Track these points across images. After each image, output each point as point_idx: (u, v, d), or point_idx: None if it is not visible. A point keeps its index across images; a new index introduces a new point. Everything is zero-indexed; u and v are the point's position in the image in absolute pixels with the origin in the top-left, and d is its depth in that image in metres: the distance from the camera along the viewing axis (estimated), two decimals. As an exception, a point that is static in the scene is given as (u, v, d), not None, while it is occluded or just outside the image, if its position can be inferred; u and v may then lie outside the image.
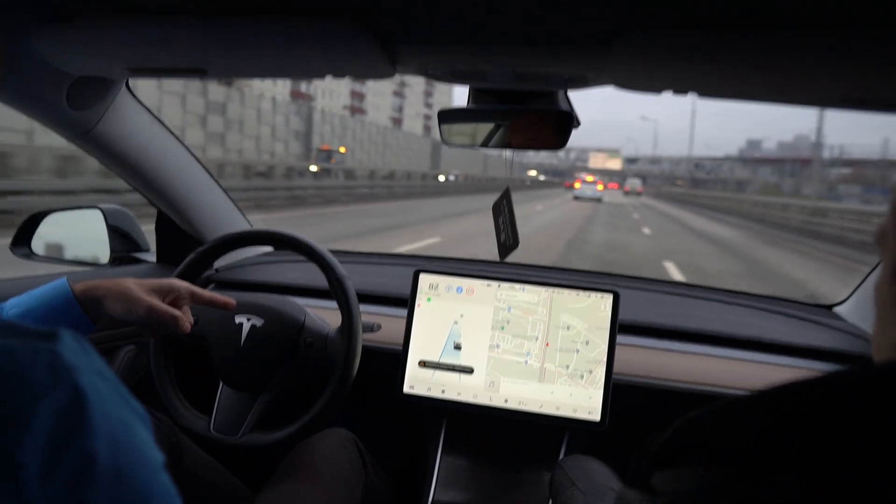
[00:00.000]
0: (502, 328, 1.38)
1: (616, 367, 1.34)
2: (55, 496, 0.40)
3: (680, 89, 0.97)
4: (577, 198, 36.65)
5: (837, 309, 1.67)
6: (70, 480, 0.41)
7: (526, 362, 1.36)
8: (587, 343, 1.35)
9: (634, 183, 70.88)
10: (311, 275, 1.35)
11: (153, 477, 0.46)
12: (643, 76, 0.94)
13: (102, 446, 0.42)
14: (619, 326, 1.35)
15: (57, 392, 0.42)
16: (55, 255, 1.62)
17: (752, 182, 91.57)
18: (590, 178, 53.90)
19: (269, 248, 1.95)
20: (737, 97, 0.99)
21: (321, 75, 1.07)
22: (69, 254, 1.67)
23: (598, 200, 36.21)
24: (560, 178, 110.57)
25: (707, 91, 0.97)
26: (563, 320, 1.36)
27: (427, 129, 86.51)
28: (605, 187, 57.83)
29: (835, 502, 0.36)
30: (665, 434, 0.46)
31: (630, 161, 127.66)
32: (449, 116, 1.14)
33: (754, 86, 0.95)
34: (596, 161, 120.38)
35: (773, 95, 0.99)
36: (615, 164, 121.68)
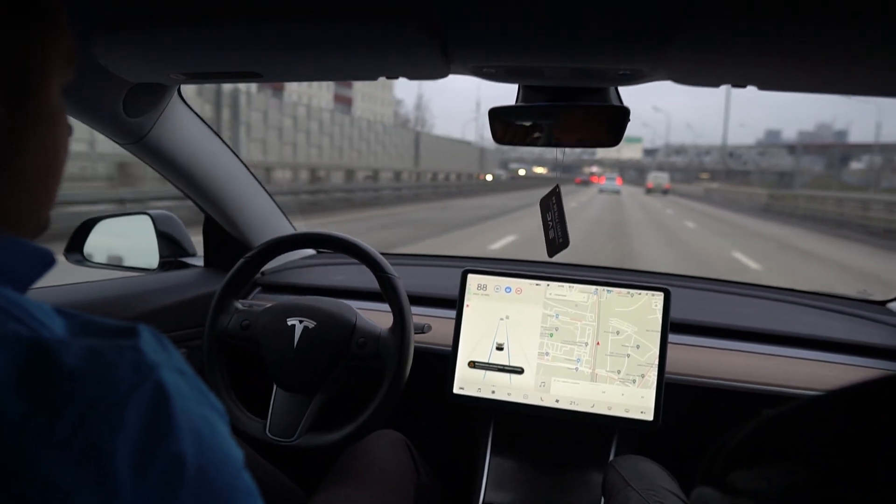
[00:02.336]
0: (551, 335, 1.37)
1: (668, 367, 1.32)
2: (148, 498, 0.40)
3: (738, 82, 0.96)
4: (601, 191, 45.11)
5: (891, 305, 1.63)
6: (161, 480, 0.40)
7: (577, 369, 1.35)
8: (638, 347, 1.33)
9: (660, 178, 53.97)
10: (359, 277, 1.36)
11: (237, 475, 0.46)
12: (702, 69, 0.93)
13: (189, 445, 0.42)
14: (670, 325, 1.33)
15: (141, 391, 0.42)
16: (107, 260, 1.65)
17: (799, 173, 73.20)
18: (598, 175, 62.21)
19: (312, 252, 1.97)
20: (796, 89, 0.98)
21: (375, 77, 1.07)
22: (120, 259, 1.71)
23: (618, 192, 43.53)
24: (568, 173, 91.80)
25: (767, 83, 0.95)
26: (612, 325, 1.35)
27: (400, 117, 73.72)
28: (599, 180, 61.23)
29: None
30: (743, 432, 0.45)
31: (648, 153, 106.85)
32: (500, 114, 1.14)
33: (815, 77, 0.93)
34: (609, 150, 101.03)
35: (834, 86, 0.97)
36: (633, 153, 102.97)
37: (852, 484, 0.38)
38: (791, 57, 0.86)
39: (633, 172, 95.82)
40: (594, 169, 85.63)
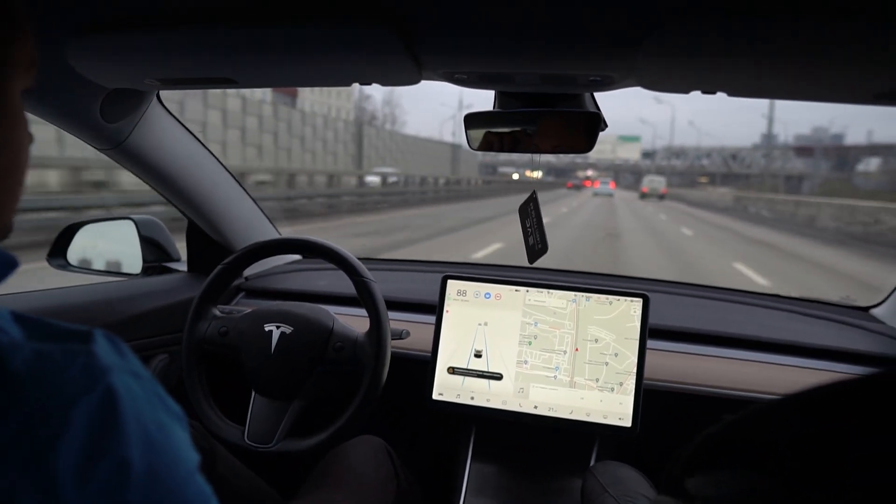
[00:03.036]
0: (530, 343, 1.37)
1: (647, 373, 1.32)
2: (90, 501, 0.40)
3: (708, 89, 0.96)
4: (595, 195, 46.70)
5: (874, 311, 1.63)
6: (105, 486, 0.40)
7: (555, 377, 1.35)
8: (616, 355, 1.33)
9: (656, 182, 50.12)
10: (341, 282, 1.36)
11: (189, 479, 0.46)
12: (671, 76, 0.93)
13: (136, 450, 0.42)
14: (649, 331, 1.33)
15: (91, 394, 0.42)
16: (90, 265, 1.65)
17: (809, 176, 67.99)
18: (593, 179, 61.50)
19: (298, 257, 1.97)
20: (766, 95, 0.98)
21: (348, 83, 1.08)
22: (103, 264, 1.71)
23: (611, 195, 45.21)
24: (561, 177, 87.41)
25: (736, 90, 0.95)
26: (590, 333, 1.35)
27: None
28: (593, 184, 60.63)
29: None
30: (699, 438, 0.45)
31: (646, 155, 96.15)
32: (475, 121, 1.14)
33: (785, 84, 0.93)
34: (603, 151, 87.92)
35: (803, 93, 0.97)
36: (631, 153, 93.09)
37: (806, 488, 0.38)
38: (758, 64, 0.86)
39: (630, 176, 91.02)
40: (589, 173, 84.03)
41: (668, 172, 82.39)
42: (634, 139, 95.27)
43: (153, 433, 0.44)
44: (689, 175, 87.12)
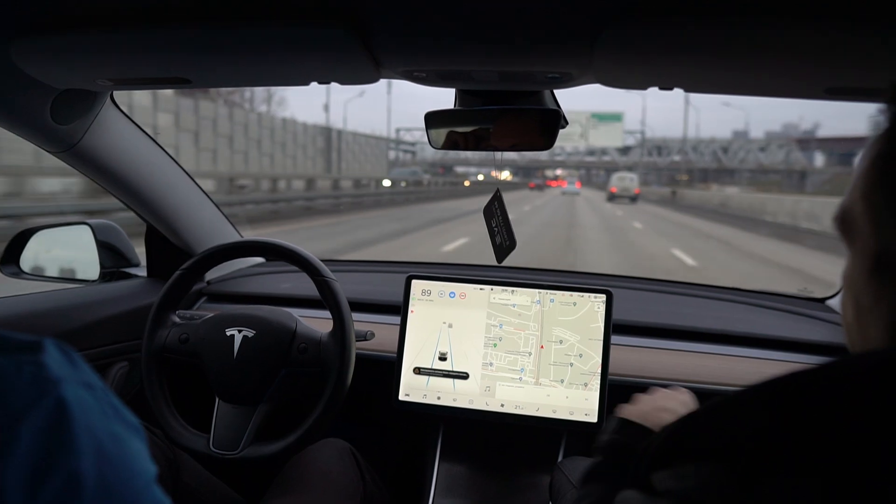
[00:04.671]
0: (495, 345, 1.37)
1: (612, 368, 1.33)
2: None
3: (664, 85, 0.97)
4: (563, 193, 47.60)
5: (830, 302, 1.67)
6: (55, 499, 0.39)
7: (521, 378, 1.36)
8: (581, 356, 1.34)
9: (627, 180, 41.42)
10: (305, 285, 1.35)
11: (145, 490, 0.45)
12: (628, 72, 0.94)
13: (88, 463, 0.41)
14: (613, 326, 1.34)
15: (40, 407, 0.41)
16: (44, 272, 1.61)
17: (813, 173, 62.36)
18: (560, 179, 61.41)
19: (261, 260, 1.94)
20: (722, 91, 0.99)
21: (306, 82, 1.06)
22: (58, 271, 1.66)
23: (577, 194, 45.94)
24: (526, 178, 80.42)
25: (692, 85, 0.97)
26: (555, 334, 1.35)
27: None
28: (560, 184, 60.96)
29: (829, 492, 0.36)
30: (661, 433, 0.46)
31: (621, 151, 78.97)
32: (435, 119, 1.14)
33: (739, 79, 0.95)
34: (570, 136, 62.84)
35: (757, 88, 0.99)
36: (612, 139, 68.12)
37: (764, 478, 0.38)
38: (713, 60, 0.87)
39: (605, 174, 78.87)
40: (558, 172, 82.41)
41: (652, 169, 74.04)
42: (614, 118, 65.68)
43: (106, 445, 0.43)
44: (671, 172, 77.62)
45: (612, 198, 39.34)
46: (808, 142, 75.53)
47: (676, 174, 76.56)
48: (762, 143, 75.34)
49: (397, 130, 75.90)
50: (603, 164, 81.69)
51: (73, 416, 0.42)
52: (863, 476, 0.36)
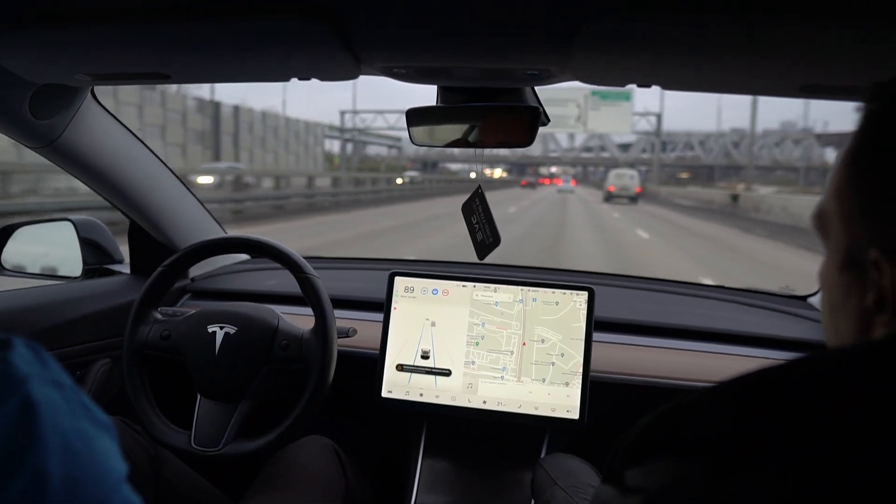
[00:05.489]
0: (477, 344, 1.38)
1: (594, 365, 1.33)
2: None
3: (643, 82, 0.98)
4: (560, 191, 49.11)
5: (812, 299, 1.68)
6: (21, 498, 0.39)
7: (502, 377, 1.36)
8: (562, 355, 1.34)
9: (626, 178, 36.77)
10: (289, 282, 1.34)
11: (113, 489, 0.44)
12: (606, 69, 0.95)
13: (54, 462, 0.40)
14: (595, 324, 1.35)
15: (6, 405, 0.40)
16: (25, 269, 1.60)
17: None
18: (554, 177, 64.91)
19: (245, 256, 1.93)
20: (699, 88, 1.00)
21: (286, 78, 1.06)
22: (40, 268, 1.65)
23: (572, 192, 47.14)
24: (518, 175, 75.12)
25: (670, 83, 0.97)
26: (537, 333, 1.36)
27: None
28: (554, 182, 62.21)
29: (801, 487, 0.36)
30: (635, 430, 0.46)
31: (622, 148, 73.73)
32: (417, 116, 1.14)
33: (716, 76, 0.95)
34: (565, 120, 41.83)
35: (734, 86, 0.99)
36: (618, 123, 46.14)
37: (734, 474, 0.38)
38: (689, 58, 0.88)
39: (602, 171, 71.31)
40: (553, 170, 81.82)
41: (653, 165, 65.12)
42: (621, 97, 43.69)
43: (75, 443, 0.42)
44: (675, 169, 71.74)
45: (609, 198, 35.28)
46: (828, 136, 66.83)
47: (678, 172, 72.09)
48: (776, 138, 70.22)
49: (342, 113, 62.46)
50: (602, 161, 75.61)
51: (40, 415, 0.41)
52: (831, 469, 0.36)
